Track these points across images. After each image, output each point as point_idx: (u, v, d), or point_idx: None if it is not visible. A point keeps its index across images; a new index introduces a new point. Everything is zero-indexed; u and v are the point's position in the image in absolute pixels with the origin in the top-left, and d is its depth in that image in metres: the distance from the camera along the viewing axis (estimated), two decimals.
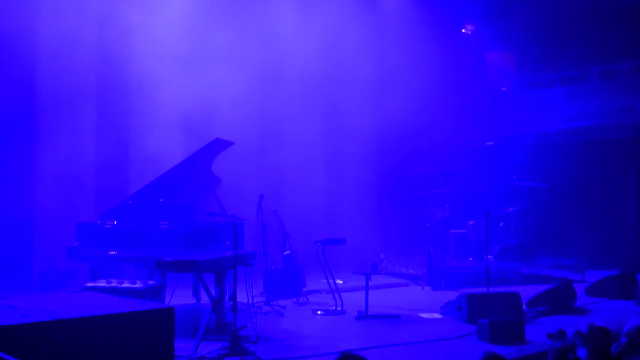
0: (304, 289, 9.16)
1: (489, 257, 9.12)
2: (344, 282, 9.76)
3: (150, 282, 6.44)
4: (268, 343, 6.16)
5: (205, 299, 7.39)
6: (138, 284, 6.27)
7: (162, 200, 7.18)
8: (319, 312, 7.97)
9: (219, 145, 7.32)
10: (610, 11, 13.11)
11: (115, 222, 7.04)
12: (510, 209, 11.66)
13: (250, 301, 6.84)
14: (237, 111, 10.90)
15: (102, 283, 6.27)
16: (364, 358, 2.98)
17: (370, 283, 7.79)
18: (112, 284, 6.22)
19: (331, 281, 8.26)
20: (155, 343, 4.21)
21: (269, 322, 7.27)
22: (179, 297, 7.56)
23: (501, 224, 11.45)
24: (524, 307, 7.59)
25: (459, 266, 10.57)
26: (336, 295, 8.15)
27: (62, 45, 9.58)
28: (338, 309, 8.01)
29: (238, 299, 5.92)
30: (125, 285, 6.21)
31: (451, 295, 8.27)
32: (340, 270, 9.87)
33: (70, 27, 9.59)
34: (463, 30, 14.47)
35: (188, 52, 10.49)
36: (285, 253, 9.14)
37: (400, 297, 9.21)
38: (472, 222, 11.49)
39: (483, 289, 7.68)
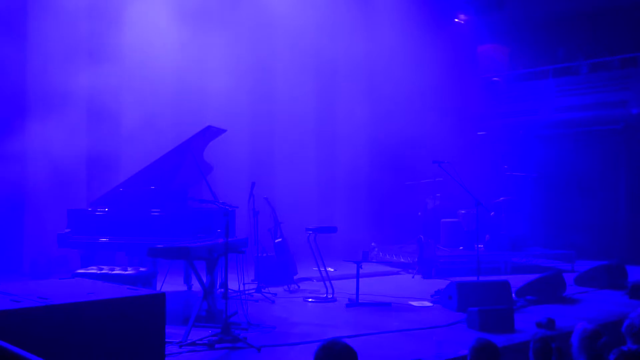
0: (295, 277, 9.20)
1: (479, 246, 9.17)
2: (334, 270, 9.80)
3: (142, 269, 6.42)
4: (259, 330, 6.19)
5: (196, 286, 7.41)
6: (129, 271, 6.26)
7: (153, 187, 7.18)
8: (309, 300, 8.00)
9: (211, 133, 7.30)
10: (600, 6, 13.17)
11: (107, 209, 7.04)
12: (501, 198, 11.73)
13: (241, 288, 6.87)
14: (230, 99, 10.88)
15: (93, 270, 6.24)
16: (348, 345, 2.97)
17: (361, 271, 7.83)
18: (103, 271, 6.20)
19: (322, 269, 8.29)
20: (146, 329, 4.20)
21: (260, 309, 7.29)
22: (170, 285, 7.58)
23: (492, 213, 11.52)
24: (513, 296, 7.66)
25: (449, 255, 10.63)
26: (327, 283, 8.19)
27: (54, 29, 9.53)
28: (329, 297, 8.05)
29: (229, 286, 5.93)
30: (117, 272, 6.19)
31: (441, 283, 8.33)
32: (331, 258, 9.91)
33: (61, 10, 9.54)
34: (456, 20, 14.47)
35: (180, 39, 10.44)
36: (276, 241, 9.16)
37: (391, 285, 9.26)
38: (463, 212, 11.57)
39: (473, 278, 7.73)
